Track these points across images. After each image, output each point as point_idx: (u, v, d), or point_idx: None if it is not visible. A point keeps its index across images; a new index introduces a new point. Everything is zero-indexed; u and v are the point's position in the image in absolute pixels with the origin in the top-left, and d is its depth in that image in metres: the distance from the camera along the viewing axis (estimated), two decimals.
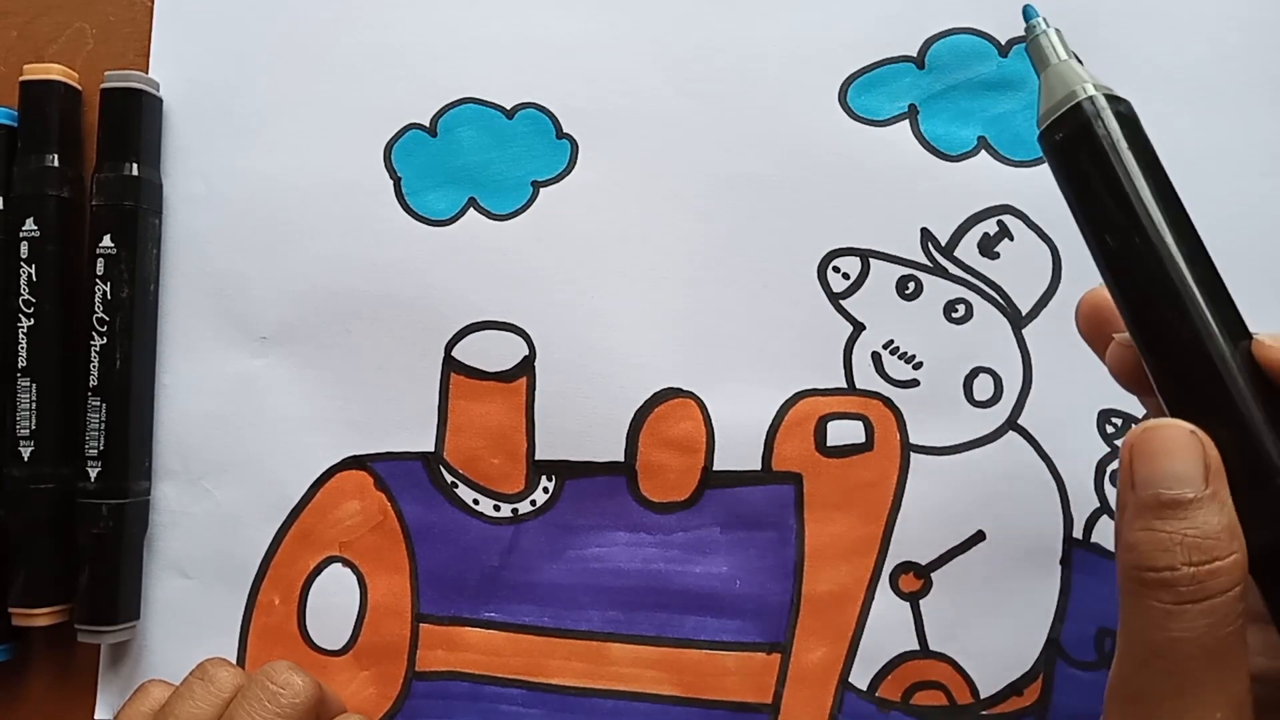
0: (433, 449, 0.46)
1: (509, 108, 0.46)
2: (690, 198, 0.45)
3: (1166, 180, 0.31)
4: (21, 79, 0.46)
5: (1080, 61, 0.32)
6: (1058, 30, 0.33)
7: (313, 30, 0.47)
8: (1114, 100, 0.31)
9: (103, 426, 0.44)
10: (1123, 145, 0.31)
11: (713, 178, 0.45)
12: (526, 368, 0.45)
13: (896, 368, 0.44)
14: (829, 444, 0.44)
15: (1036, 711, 0.43)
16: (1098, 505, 0.44)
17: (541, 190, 0.46)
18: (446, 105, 0.46)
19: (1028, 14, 0.33)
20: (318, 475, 0.46)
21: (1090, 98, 0.31)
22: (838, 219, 0.45)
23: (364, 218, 0.46)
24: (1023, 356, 0.44)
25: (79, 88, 0.47)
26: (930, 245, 0.44)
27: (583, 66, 0.46)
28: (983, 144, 0.45)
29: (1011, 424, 0.44)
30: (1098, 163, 0.31)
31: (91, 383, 0.45)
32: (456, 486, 0.45)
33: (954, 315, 0.44)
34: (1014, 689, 0.44)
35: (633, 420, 0.45)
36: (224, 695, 0.41)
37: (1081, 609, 0.43)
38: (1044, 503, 0.44)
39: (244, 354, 0.46)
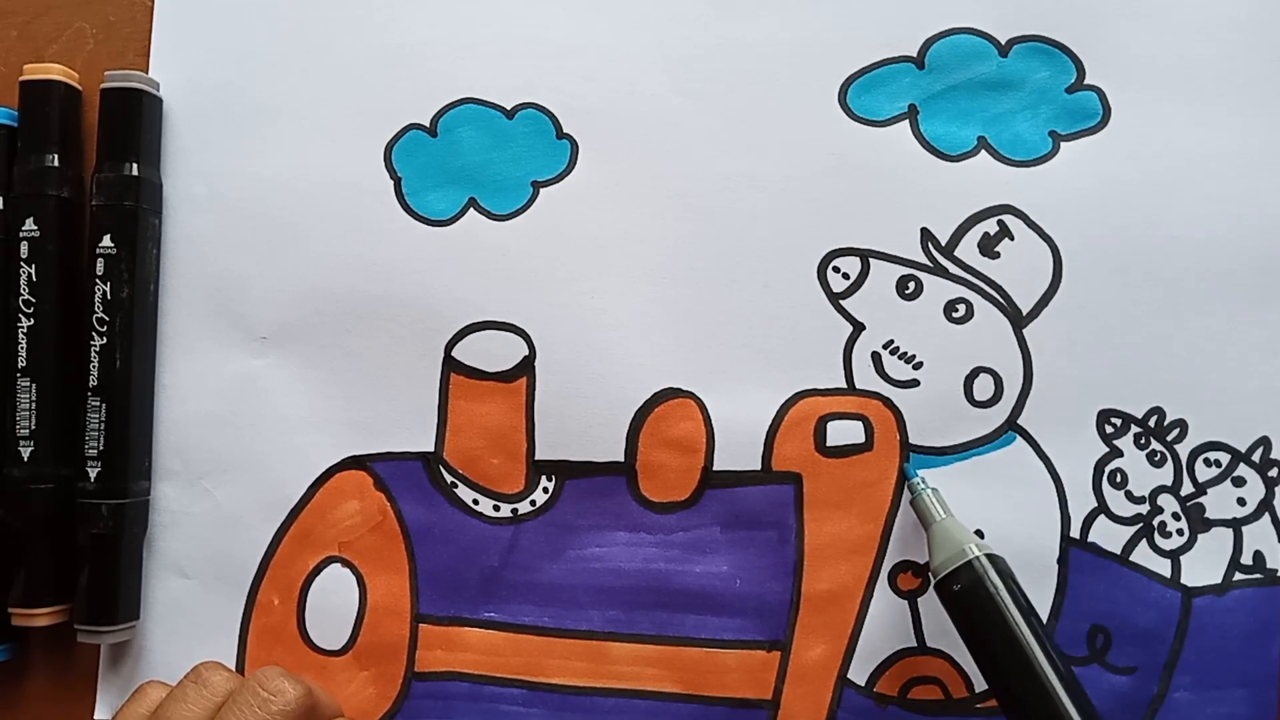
0: (433, 449, 0.46)
1: (509, 108, 0.46)
2: (690, 198, 0.45)
3: (1037, 618, 0.40)
4: (21, 79, 0.46)
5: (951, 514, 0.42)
6: (934, 489, 0.43)
7: (313, 30, 0.47)
8: (993, 558, 0.41)
9: (102, 426, 0.44)
10: (1006, 597, 0.40)
11: (713, 178, 0.45)
12: (526, 368, 0.45)
13: (896, 368, 0.44)
14: (829, 444, 0.44)
15: None
16: (1095, 505, 0.44)
17: (541, 190, 0.46)
18: (446, 105, 0.46)
19: (907, 473, 0.44)
20: (317, 475, 0.46)
21: (977, 557, 0.40)
22: (838, 219, 0.45)
23: (364, 218, 0.46)
24: (1023, 356, 0.44)
25: (79, 88, 0.47)
26: (930, 245, 0.44)
27: (583, 66, 0.46)
28: (983, 144, 0.45)
29: (1011, 424, 0.44)
30: (989, 610, 0.40)
31: (91, 383, 0.45)
32: (456, 486, 0.45)
33: (954, 315, 0.44)
34: None
35: (633, 420, 0.45)
36: (216, 699, 0.41)
37: (1076, 606, 0.44)
38: (1042, 502, 0.44)
39: (244, 354, 0.46)
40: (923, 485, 0.43)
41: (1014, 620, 0.39)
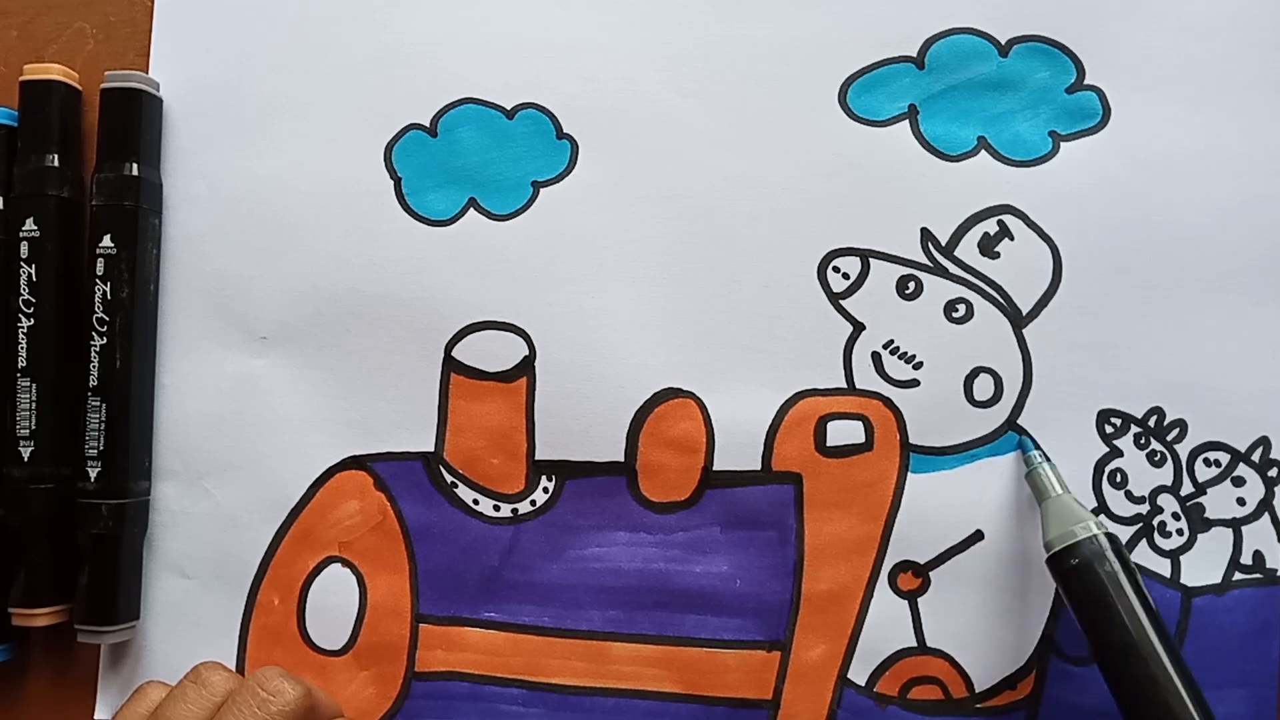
0: (433, 449, 0.46)
1: (509, 108, 0.46)
2: (690, 198, 0.45)
3: (1148, 598, 0.40)
4: (21, 79, 0.46)
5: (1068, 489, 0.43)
6: (1052, 464, 0.43)
7: (313, 30, 0.47)
8: (1110, 537, 0.40)
9: (103, 426, 0.44)
10: (1123, 577, 0.40)
11: (713, 178, 0.45)
12: (526, 368, 0.45)
13: (896, 368, 0.44)
14: (829, 444, 0.44)
15: (1029, 705, 0.44)
16: (1095, 505, 0.44)
17: (541, 190, 0.46)
18: (446, 105, 0.46)
19: (1025, 447, 0.44)
20: (318, 475, 0.46)
21: (1095, 535, 0.40)
22: (838, 219, 0.45)
23: (364, 218, 0.46)
24: (1023, 356, 0.44)
25: (79, 88, 0.47)
26: (930, 245, 0.44)
27: (583, 66, 0.46)
28: (983, 144, 0.45)
29: (1011, 424, 0.44)
30: (1106, 587, 0.40)
31: (91, 383, 0.45)
32: (456, 486, 0.45)
33: (954, 315, 0.44)
34: (1008, 683, 0.44)
35: (633, 420, 0.45)
36: (215, 699, 0.41)
37: None
38: None
39: (244, 354, 0.46)
40: (1039, 459, 0.43)
41: (1131, 599, 0.40)
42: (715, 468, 0.45)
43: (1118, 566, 0.40)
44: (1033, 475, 0.43)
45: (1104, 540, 0.40)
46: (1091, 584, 0.40)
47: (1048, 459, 0.43)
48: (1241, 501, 0.44)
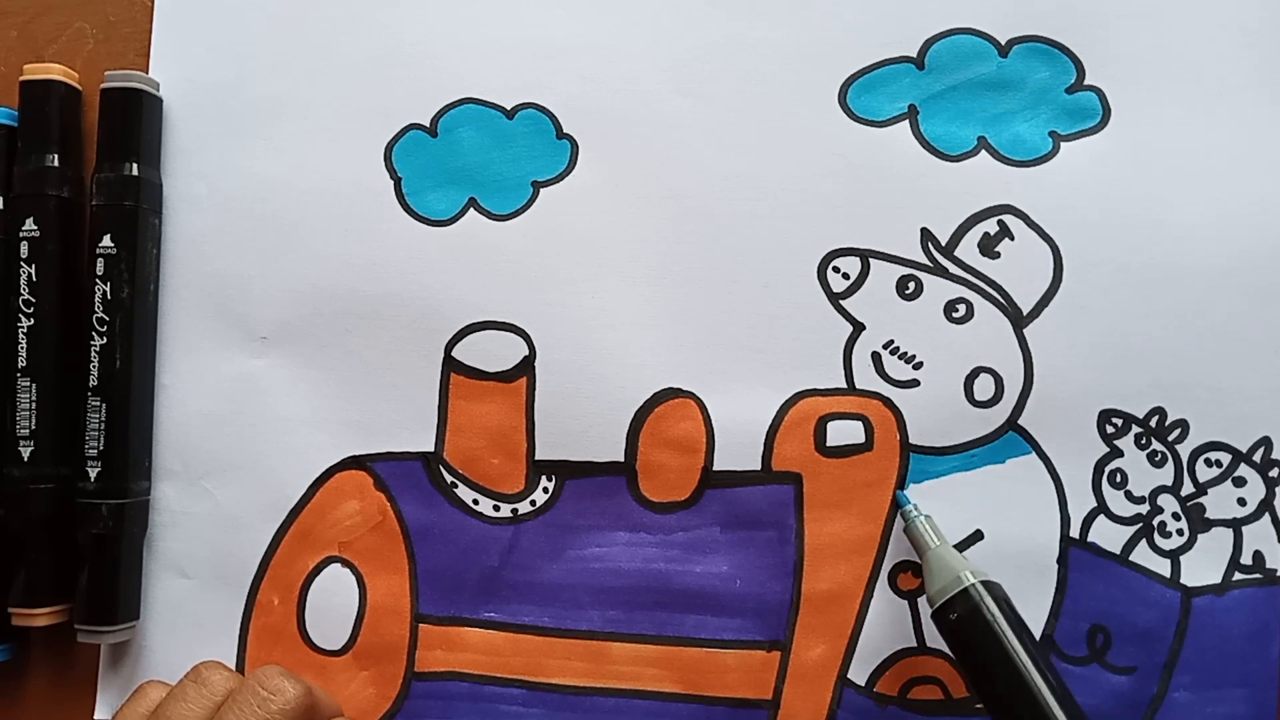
0: (433, 449, 0.46)
1: (509, 108, 0.46)
2: (690, 198, 0.45)
3: (1033, 640, 0.40)
4: (21, 79, 0.46)
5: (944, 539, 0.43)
6: (928, 516, 0.43)
7: (313, 30, 0.47)
8: (988, 584, 0.40)
9: (102, 426, 0.44)
10: (1003, 625, 0.40)
11: (713, 178, 0.45)
12: (526, 368, 0.45)
13: (896, 368, 0.44)
14: (829, 444, 0.44)
15: None
16: (1095, 505, 0.44)
17: (541, 190, 0.46)
18: (446, 105, 0.46)
19: (900, 501, 0.44)
20: (317, 475, 0.46)
21: (972, 585, 0.40)
22: (838, 219, 0.45)
23: (364, 218, 0.46)
24: (1023, 356, 0.44)
25: (79, 88, 0.47)
26: (930, 245, 0.44)
27: (583, 66, 0.46)
28: (983, 144, 0.45)
29: (1011, 424, 0.44)
30: (988, 638, 0.40)
31: (91, 383, 0.45)
32: (456, 486, 0.45)
33: (954, 315, 0.44)
34: None
35: (633, 420, 0.45)
36: (216, 699, 0.41)
37: (1076, 606, 0.44)
38: (1042, 502, 0.44)
39: (244, 354, 0.46)
40: (915, 512, 0.43)
41: (1012, 649, 0.39)
42: (715, 468, 0.45)
43: (996, 614, 0.40)
44: (910, 529, 0.43)
45: (980, 589, 0.40)
46: (972, 637, 0.40)
47: (921, 511, 0.43)
48: (1242, 502, 0.44)
